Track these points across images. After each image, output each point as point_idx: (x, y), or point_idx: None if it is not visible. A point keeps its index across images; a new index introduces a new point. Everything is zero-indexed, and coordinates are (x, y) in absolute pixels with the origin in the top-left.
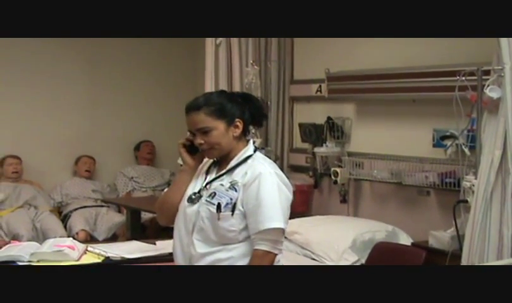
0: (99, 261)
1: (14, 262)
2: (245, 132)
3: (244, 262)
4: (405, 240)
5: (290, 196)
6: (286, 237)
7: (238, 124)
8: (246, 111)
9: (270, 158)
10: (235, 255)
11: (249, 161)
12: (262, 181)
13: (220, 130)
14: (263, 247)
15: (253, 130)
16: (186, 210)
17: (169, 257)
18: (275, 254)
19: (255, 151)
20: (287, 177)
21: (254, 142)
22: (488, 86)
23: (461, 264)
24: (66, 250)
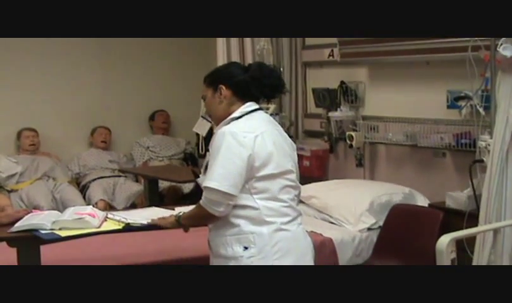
0: (119, 227)
1: (36, 230)
2: (245, 99)
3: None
4: (422, 201)
5: (245, 154)
6: (303, 201)
7: (221, 90)
8: (240, 78)
9: (285, 124)
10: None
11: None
12: (212, 142)
13: (208, 97)
14: (201, 200)
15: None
16: None
17: None
18: (210, 213)
19: (245, 115)
20: (295, 136)
21: (265, 108)
22: (501, 44)
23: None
24: (86, 218)
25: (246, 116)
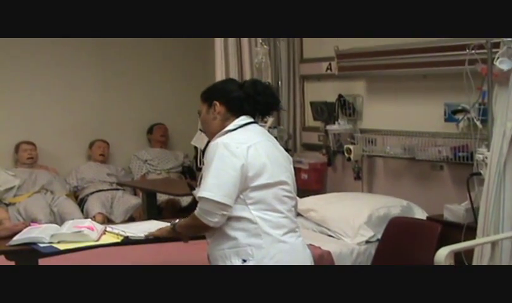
0: (118, 240)
1: (35, 243)
2: (238, 115)
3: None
4: (420, 214)
5: (238, 164)
6: (301, 214)
7: (215, 106)
8: (234, 95)
9: (283, 137)
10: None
11: None
12: (206, 153)
13: (203, 113)
14: (195, 211)
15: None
16: None
17: None
18: (204, 223)
19: (239, 127)
20: (288, 148)
21: (265, 121)
22: (498, 58)
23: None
24: (85, 231)
25: (240, 129)
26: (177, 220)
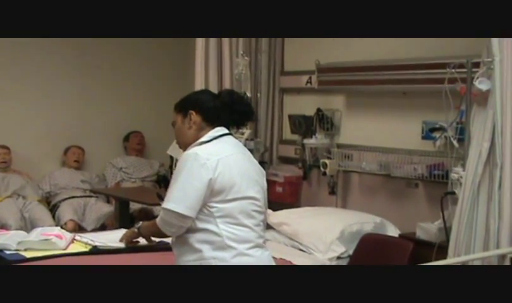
0: (86, 250)
1: (1, 250)
2: (214, 125)
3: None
4: (393, 231)
5: (205, 177)
6: (273, 228)
7: (191, 115)
8: (211, 104)
9: (259, 149)
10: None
11: None
12: (177, 162)
13: (178, 123)
14: (157, 219)
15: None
16: None
17: (157, 246)
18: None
19: (213, 139)
20: (268, 161)
21: (243, 133)
22: (477, 78)
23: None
24: (53, 239)
25: (214, 140)
26: (140, 223)
